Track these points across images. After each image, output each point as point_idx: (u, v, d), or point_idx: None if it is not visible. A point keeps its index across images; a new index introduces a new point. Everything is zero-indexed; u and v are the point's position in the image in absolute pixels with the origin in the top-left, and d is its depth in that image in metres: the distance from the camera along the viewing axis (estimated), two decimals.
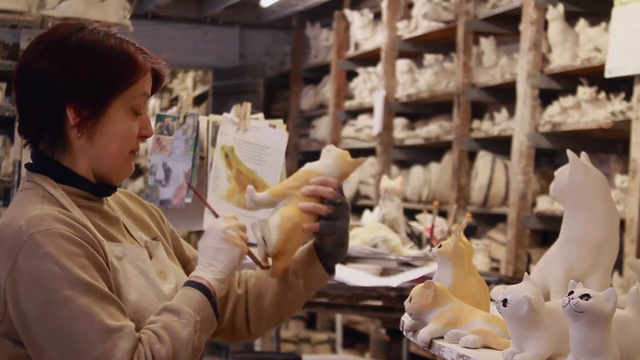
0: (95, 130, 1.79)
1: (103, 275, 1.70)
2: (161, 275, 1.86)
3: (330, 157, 2.06)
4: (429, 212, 3.92)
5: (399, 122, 6.43)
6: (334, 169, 2.06)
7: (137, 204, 2.00)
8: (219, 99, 8.50)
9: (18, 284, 1.64)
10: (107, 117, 1.79)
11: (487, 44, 5.33)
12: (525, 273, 1.52)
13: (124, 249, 1.80)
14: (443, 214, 5.04)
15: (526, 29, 4.73)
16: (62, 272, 1.63)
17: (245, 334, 2.09)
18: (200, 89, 9.32)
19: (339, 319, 6.55)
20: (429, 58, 5.89)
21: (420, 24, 6.01)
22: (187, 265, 2.03)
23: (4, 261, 1.66)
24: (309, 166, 2.08)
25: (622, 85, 4.32)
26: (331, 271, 2.12)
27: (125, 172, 1.86)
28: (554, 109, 4.66)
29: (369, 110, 6.80)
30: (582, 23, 4.48)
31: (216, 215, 1.92)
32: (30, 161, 1.85)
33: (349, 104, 7.24)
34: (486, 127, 5.37)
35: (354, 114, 7.27)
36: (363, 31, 6.98)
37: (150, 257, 1.88)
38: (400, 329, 1.79)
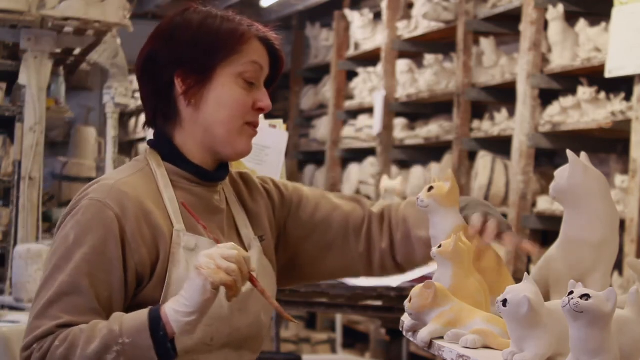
0: (202, 97, 1.80)
1: (109, 268, 1.70)
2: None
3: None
4: None
5: (399, 122, 6.43)
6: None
7: (254, 193, 1.97)
8: None
9: (59, 228, 1.76)
10: (214, 84, 1.80)
11: (487, 44, 5.33)
12: (525, 273, 1.52)
13: (197, 241, 1.77)
14: None
15: (526, 29, 4.73)
16: (71, 245, 1.70)
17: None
18: None
19: (339, 319, 6.55)
20: (429, 58, 5.89)
21: (420, 24, 6.01)
22: (321, 221, 2.00)
23: (70, 205, 1.78)
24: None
25: (622, 85, 4.32)
26: None
27: (240, 145, 1.82)
28: (554, 109, 4.66)
29: (369, 110, 6.80)
30: (582, 23, 4.48)
31: (216, 241, 1.75)
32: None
33: (349, 104, 7.24)
34: (486, 127, 5.37)
35: (354, 114, 7.28)
36: (363, 31, 6.98)
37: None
38: (400, 329, 1.79)
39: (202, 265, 1.62)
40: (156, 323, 1.62)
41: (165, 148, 1.83)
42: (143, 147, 9.98)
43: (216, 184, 1.87)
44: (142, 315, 1.64)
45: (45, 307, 1.66)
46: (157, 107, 1.84)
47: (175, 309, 1.63)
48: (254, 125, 1.84)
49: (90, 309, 1.67)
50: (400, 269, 2.05)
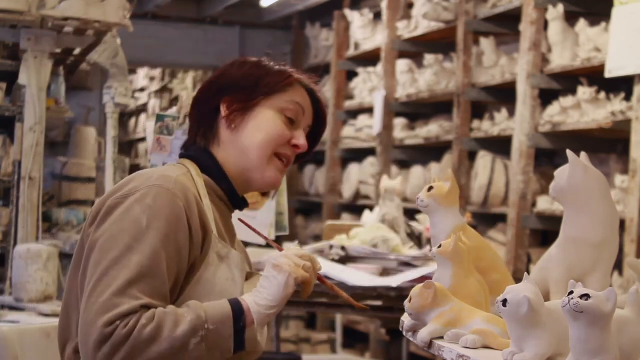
0: (243, 122, 1.90)
1: (179, 257, 1.74)
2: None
3: None
4: None
5: (399, 122, 6.43)
6: None
7: (242, 247, 2.05)
8: None
9: (114, 209, 1.76)
10: (256, 112, 1.91)
11: (487, 44, 5.33)
12: (525, 273, 1.52)
13: (230, 253, 1.84)
14: None
15: (526, 29, 4.73)
16: (144, 228, 1.72)
17: None
18: None
19: (339, 319, 6.55)
20: (429, 58, 5.89)
21: (420, 24, 6.01)
22: None
23: (125, 188, 1.79)
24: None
25: (622, 85, 4.32)
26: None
27: (268, 175, 1.91)
28: (554, 109, 4.66)
29: (369, 110, 6.80)
30: (582, 23, 4.48)
31: (280, 250, 1.88)
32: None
33: (349, 104, 7.24)
34: (486, 127, 5.37)
35: (354, 114, 7.27)
36: (363, 31, 6.98)
37: (247, 279, 1.91)
38: (400, 329, 1.79)
39: (282, 263, 1.77)
40: (239, 314, 1.73)
41: (205, 160, 1.91)
42: (143, 147, 9.99)
43: (233, 210, 1.97)
44: (225, 305, 1.73)
45: (125, 287, 1.67)
46: (198, 128, 1.95)
47: (257, 302, 1.75)
48: (285, 158, 1.93)
49: (164, 293, 1.72)
50: None
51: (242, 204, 1.97)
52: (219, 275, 1.80)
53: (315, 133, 2.01)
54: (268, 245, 3.11)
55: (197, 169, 1.90)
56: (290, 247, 1.85)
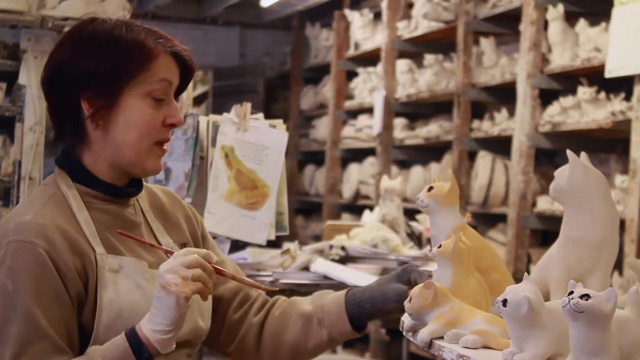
0: (110, 120, 1.76)
1: (58, 303, 1.67)
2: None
3: None
4: None
5: (399, 122, 6.43)
6: None
7: (175, 204, 1.96)
8: (218, 99, 8.50)
9: None
10: (122, 106, 1.76)
11: (487, 44, 5.34)
12: (525, 273, 1.52)
13: (121, 262, 1.75)
14: None
15: (526, 29, 4.73)
16: (13, 292, 1.64)
17: None
18: (200, 89, 9.32)
19: None
20: (429, 58, 5.89)
21: (420, 24, 6.01)
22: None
23: None
24: None
25: (622, 85, 4.32)
26: (359, 328, 1.97)
27: (150, 165, 1.79)
28: (554, 109, 4.66)
29: (369, 110, 6.80)
30: (582, 23, 4.48)
31: (169, 253, 1.76)
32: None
33: (349, 104, 7.24)
34: (486, 127, 5.37)
35: (354, 114, 7.27)
36: (363, 31, 6.98)
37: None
38: (400, 329, 1.79)
39: (168, 282, 1.63)
40: (138, 347, 1.64)
41: (75, 169, 1.80)
42: None
43: (128, 199, 1.85)
44: (121, 342, 1.64)
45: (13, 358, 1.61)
46: (64, 127, 1.81)
47: (153, 328, 1.64)
48: (164, 141, 1.81)
49: (56, 348, 1.65)
50: (260, 352, 2.00)
51: (129, 192, 1.83)
52: (121, 290, 1.72)
53: (181, 85, 1.85)
54: (268, 245, 3.12)
55: (68, 180, 1.78)
56: (178, 253, 1.69)
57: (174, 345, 1.68)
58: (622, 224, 3.93)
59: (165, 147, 1.82)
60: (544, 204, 4.67)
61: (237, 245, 3.15)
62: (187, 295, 1.63)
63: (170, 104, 1.80)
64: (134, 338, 1.65)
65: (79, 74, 1.75)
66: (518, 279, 1.61)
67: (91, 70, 1.75)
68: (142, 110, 1.77)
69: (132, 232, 1.79)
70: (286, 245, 3.39)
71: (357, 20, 7.01)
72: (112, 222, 1.79)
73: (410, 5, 6.22)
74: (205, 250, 1.72)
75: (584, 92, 4.37)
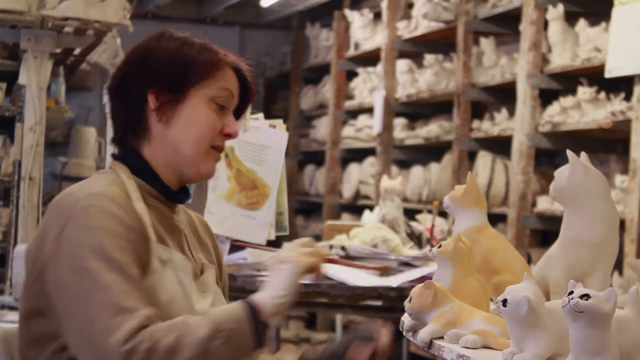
0: (173, 115, 1.83)
1: (138, 263, 1.71)
2: (201, 294, 1.84)
3: None
4: (429, 212, 3.92)
5: (399, 122, 6.43)
6: None
7: (205, 231, 2.02)
8: None
9: (60, 248, 1.69)
10: (186, 103, 1.83)
11: (487, 44, 5.33)
12: (525, 273, 1.52)
13: (171, 255, 1.80)
14: (443, 214, 5.04)
15: (526, 29, 4.73)
16: (99, 247, 1.67)
17: None
18: None
19: (339, 319, 6.55)
20: (429, 58, 5.89)
21: (420, 24, 6.01)
22: None
23: (55, 225, 1.72)
24: None
25: (622, 85, 4.32)
26: None
27: (204, 167, 1.86)
28: (554, 109, 4.66)
29: (369, 110, 6.80)
30: (582, 23, 4.48)
31: (272, 250, 1.91)
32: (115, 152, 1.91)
33: (349, 104, 7.24)
34: (486, 127, 5.37)
35: (354, 114, 7.27)
36: (363, 31, 6.98)
37: (201, 274, 1.88)
38: (400, 329, 1.79)
39: (286, 257, 1.79)
40: (252, 313, 1.71)
41: (134, 161, 1.85)
42: None
43: (176, 205, 1.91)
44: (235, 306, 1.72)
45: (117, 304, 1.63)
46: (127, 122, 1.87)
47: (267, 294, 1.74)
48: (219, 150, 1.88)
49: (146, 301, 1.68)
50: None
51: (181, 198, 1.90)
52: (164, 280, 1.76)
53: (240, 110, 1.95)
54: (268, 245, 3.12)
55: (127, 172, 1.84)
56: (294, 241, 1.86)
57: (286, 312, 1.77)
58: (622, 224, 3.93)
59: (220, 155, 1.89)
60: (544, 204, 4.67)
61: (237, 246, 3.15)
62: (304, 265, 1.78)
63: (229, 115, 1.89)
64: (246, 304, 1.71)
65: (149, 73, 1.84)
66: None
67: (163, 66, 1.84)
68: (205, 112, 1.84)
69: (175, 236, 1.86)
70: (286, 245, 3.39)
71: (357, 20, 7.01)
72: (162, 220, 1.84)
73: (410, 5, 6.22)
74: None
75: (584, 92, 4.37)
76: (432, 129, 5.96)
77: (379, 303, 3.19)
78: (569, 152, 1.81)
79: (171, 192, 1.87)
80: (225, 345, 1.66)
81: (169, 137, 1.83)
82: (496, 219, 5.29)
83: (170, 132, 1.83)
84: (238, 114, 1.93)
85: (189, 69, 1.84)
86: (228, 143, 3.01)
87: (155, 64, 1.84)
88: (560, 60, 4.61)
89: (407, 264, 3.33)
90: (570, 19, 4.60)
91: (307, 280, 1.86)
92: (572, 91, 4.53)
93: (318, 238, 6.12)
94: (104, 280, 1.64)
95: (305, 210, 8.20)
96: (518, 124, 4.75)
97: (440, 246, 1.74)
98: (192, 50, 1.85)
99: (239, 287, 2.97)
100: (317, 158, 8.00)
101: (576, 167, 1.80)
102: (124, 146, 1.88)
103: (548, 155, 5.33)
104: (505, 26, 5.35)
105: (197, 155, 1.84)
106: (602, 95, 4.33)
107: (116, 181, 1.81)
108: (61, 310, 1.68)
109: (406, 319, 1.74)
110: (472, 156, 5.45)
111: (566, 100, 4.51)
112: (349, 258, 3.35)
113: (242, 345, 1.69)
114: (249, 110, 3.06)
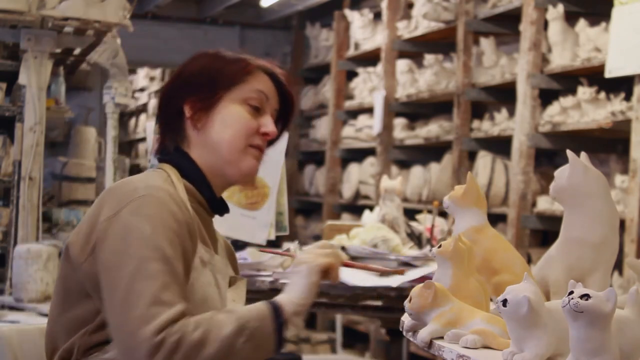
0: (208, 120, 1.88)
1: (183, 259, 1.75)
2: (232, 303, 1.91)
3: None
4: (429, 212, 3.92)
5: (399, 122, 6.43)
6: None
7: (230, 250, 2.06)
8: None
9: (111, 229, 1.73)
10: (219, 108, 1.89)
11: (487, 44, 5.34)
12: (525, 273, 1.52)
13: (212, 258, 1.85)
14: (443, 214, 5.04)
15: (526, 29, 4.73)
16: (151, 235, 1.71)
17: None
18: None
19: (339, 319, 6.55)
20: (429, 58, 5.89)
21: (420, 24, 6.01)
22: None
23: (109, 208, 1.75)
24: None
25: (622, 85, 4.32)
26: None
27: (245, 165, 1.90)
28: (554, 109, 4.66)
29: (369, 110, 6.80)
30: (582, 23, 4.48)
31: (292, 256, 1.95)
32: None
33: (349, 104, 7.24)
34: (486, 127, 5.37)
35: (354, 114, 7.28)
36: (363, 31, 6.98)
37: (231, 285, 1.93)
38: (400, 329, 1.79)
39: (302, 259, 1.83)
40: (276, 312, 1.75)
41: (185, 164, 1.90)
42: (143, 147, 10.00)
43: (214, 215, 1.95)
44: (259, 304, 1.76)
45: (156, 296, 1.66)
46: (167, 133, 1.93)
47: (287, 297, 1.79)
48: (259, 148, 1.92)
49: (185, 296, 1.71)
50: None
51: (222, 209, 1.96)
52: (201, 280, 1.80)
53: (284, 115, 2.00)
54: (268, 245, 3.12)
55: (177, 174, 1.88)
56: (310, 246, 1.90)
57: (304, 316, 1.80)
58: (622, 224, 3.93)
59: (259, 151, 1.93)
60: (544, 204, 4.67)
61: (237, 245, 3.15)
62: (319, 265, 1.82)
63: (266, 116, 1.92)
64: (270, 302, 1.76)
65: (184, 82, 1.91)
66: None
67: (195, 77, 1.90)
68: (238, 113, 1.89)
69: (214, 244, 1.91)
70: (286, 245, 3.39)
71: (357, 20, 7.01)
72: (202, 227, 1.88)
73: (410, 5, 6.22)
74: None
75: (584, 92, 4.37)
76: (432, 129, 5.96)
77: (378, 303, 3.19)
78: (569, 152, 1.81)
79: (215, 201, 1.92)
80: (249, 342, 1.71)
81: (207, 141, 1.88)
82: (496, 219, 5.29)
83: (207, 136, 1.88)
84: (284, 120, 1.99)
85: (219, 75, 1.89)
86: None
87: (188, 77, 1.91)
88: (560, 60, 4.61)
89: (407, 264, 3.33)
90: (570, 19, 4.60)
91: (324, 282, 1.88)
92: (572, 91, 4.53)
93: (318, 238, 6.13)
94: (148, 268, 1.68)
95: (305, 210, 8.20)
96: (518, 124, 4.75)
97: (440, 246, 1.74)
98: (223, 60, 1.92)
99: None
100: (317, 158, 8.00)
101: (576, 167, 1.80)
102: (169, 149, 1.93)
103: (548, 155, 5.33)
104: (505, 26, 5.35)
105: (235, 153, 1.88)
106: (602, 95, 4.33)
107: (168, 180, 1.85)
108: (105, 289, 1.72)
109: (406, 319, 1.74)
110: (472, 156, 5.45)
111: (566, 100, 4.51)
112: (349, 258, 3.35)
113: (264, 344, 1.73)
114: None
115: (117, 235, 1.72)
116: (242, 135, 1.88)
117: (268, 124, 1.91)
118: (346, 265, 1.89)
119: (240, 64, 1.91)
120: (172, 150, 1.92)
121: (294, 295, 1.79)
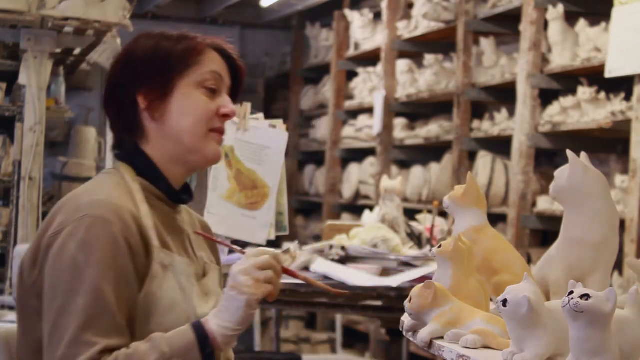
0: (165, 111, 1.82)
1: (125, 283, 1.69)
2: (204, 297, 1.83)
3: None
4: (429, 212, 3.92)
5: (399, 122, 6.43)
6: None
7: (208, 233, 2.00)
8: None
9: (50, 250, 1.70)
10: (175, 95, 1.82)
11: (487, 44, 5.34)
12: (525, 273, 1.52)
13: (173, 260, 1.78)
14: (443, 214, 5.04)
15: (526, 29, 4.73)
16: (84, 266, 1.66)
17: None
18: None
19: (339, 319, 6.55)
20: (429, 58, 5.89)
21: (420, 24, 6.01)
22: None
23: (55, 225, 1.71)
24: None
25: (622, 85, 4.32)
26: None
27: (209, 150, 1.84)
28: (554, 109, 4.66)
29: (369, 110, 6.80)
30: (582, 23, 4.48)
31: (242, 253, 1.79)
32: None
33: (349, 104, 7.24)
34: (486, 127, 5.37)
35: (354, 114, 7.28)
36: (363, 31, 6.98)
37: (204, 276, 1.87)
38: (400, 329, 1.79)
39: (241, 283, 1.67)
40: (204, 340, 1.66)
41: (139, 161, 1.84)
42: None
43: (179, 205, 1.90)
44: (187, 333, 1.67)
45: (77, 335, 1.62)
46: (124, 127, 1.86)
47: (220, 324, 1.67)
48: (219, 131, 1.86)
49: (118, 328, 1.66)
50: None
51: (183, 199, 1.89)
52: (165, 286, 1.74)
53: (235, 90, 1.92)
54: (268, 245, 3.12)
55: (132, 173, 1.83)
56: (250, 254, 1.72)
57: (235, 343, 1.72)
58: (622, 224, 3.93)
59: (223, 136, 1.87)
60: (544, 204, 4.67)
61: (237, 245, 3.15)
62: (259, 297, 1.68)
63: (223, 96, 1.86)
64: (200, 330, 1.67)
65: (133, 71, 1.83)
66: None
67: (144, 65, 1.82)
68: (196, 98, 1.83)
69: (177, 237, 1.84)
70: (286, 245, 3.39)
71: (357, 20, 7.01)
72: (165, 222, 1.83)
73: (410, 5, 6.22)
74: (274, 250, 1.76)
75: (584, 92, 4.37)
76: (432, 129, 5.96)
77: (378, 303, 3.19)
78: (569, 152, 1.81)
79: (174, 193, 1.86)
80: None
81: (166, 131, 1.82)
82: (496, 219, 5.29)
83: (166, 126, 1.82)
84: (234, 94, 1.91)
85: (169, 61, 1.82)
86: (228, 143, 3.03)
87: (136, 66, 1.83)
88: (560, 60, 4.61)
89: (407, 264, 3.33)
90: (570, 19, 4.60)
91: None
92: (572, 91, 4.53)
93: (318, 238, 6.13)
94: (74, 303, 1.64)
95: (305, 210, 8.20)
96: (518, 124, 4.75)
97: (440, 246, 1.74)
98: (169, 43, 1.83)
99: None
100: (317, 158, 8.01)
101: (576, 167, 1.80)
102: (127, 147, 1.86)
103: (548, 155, 5.33)
104: (505, 26, 5.35)
105: (198, 141, 1.83)
106: (602, 95, 4.33)
107: (120, 184, 1.80)
108: (43, 316, 1.69)
109: (406, 319, 1.74)
110: (472, 156, 5.45)
111: (566, 100, 4.51)
112: (349, 258, 3.35)
113: None
114: (248, 110, 3.07)
115: (53, 259, 1.68)
116: (202, 122, 1.82)
117: (227, 104, 1.85)
118: (291, 275, 1.79)
119: (189, 47, 1.83)
120: (128, 144, 1.85)
121: (227, 323, 1.67)
